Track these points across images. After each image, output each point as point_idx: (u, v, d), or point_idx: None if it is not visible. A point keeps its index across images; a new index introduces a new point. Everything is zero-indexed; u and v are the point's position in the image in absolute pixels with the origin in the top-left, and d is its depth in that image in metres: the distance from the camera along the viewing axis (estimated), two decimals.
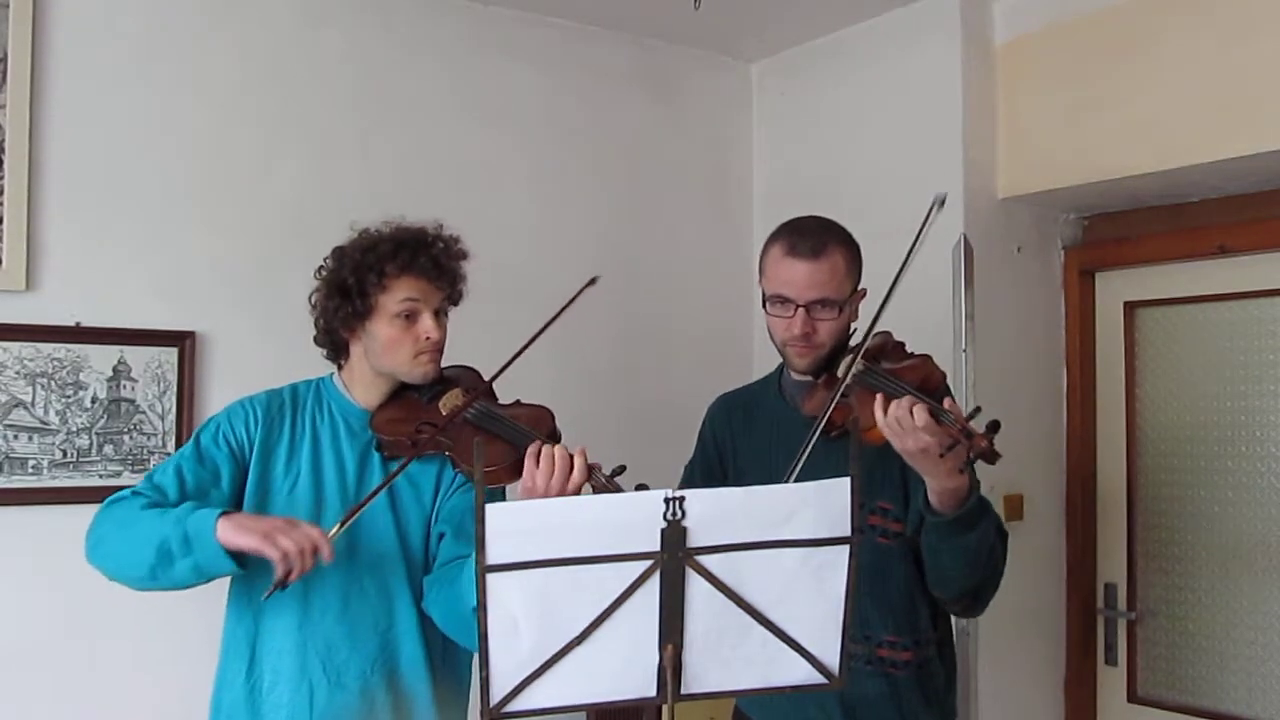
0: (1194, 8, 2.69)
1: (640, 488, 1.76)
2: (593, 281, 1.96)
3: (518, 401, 2.01)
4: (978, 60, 3.10)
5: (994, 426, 1.72)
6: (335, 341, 1.98)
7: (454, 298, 2.01)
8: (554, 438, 1.88)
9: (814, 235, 2.02)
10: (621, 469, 1.82)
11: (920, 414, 1.74)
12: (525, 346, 1.92)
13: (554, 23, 3.32)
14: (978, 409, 1.75)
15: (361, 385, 1.98)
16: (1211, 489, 3.01)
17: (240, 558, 1.72)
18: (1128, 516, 3.18)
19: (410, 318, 1.91)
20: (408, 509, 1.95)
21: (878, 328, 2.00)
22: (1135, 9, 2.81)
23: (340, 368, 2.02)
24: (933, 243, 3.01)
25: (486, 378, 1.99)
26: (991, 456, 1.72)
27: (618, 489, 1.79)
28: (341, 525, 1.78)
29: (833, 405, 1.89)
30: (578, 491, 1.78)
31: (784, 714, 2.07)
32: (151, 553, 1.74)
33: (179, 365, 2.70)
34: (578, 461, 1.78)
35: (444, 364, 2.02)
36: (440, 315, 1.96)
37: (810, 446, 1.87)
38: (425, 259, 1.92)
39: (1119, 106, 2.83)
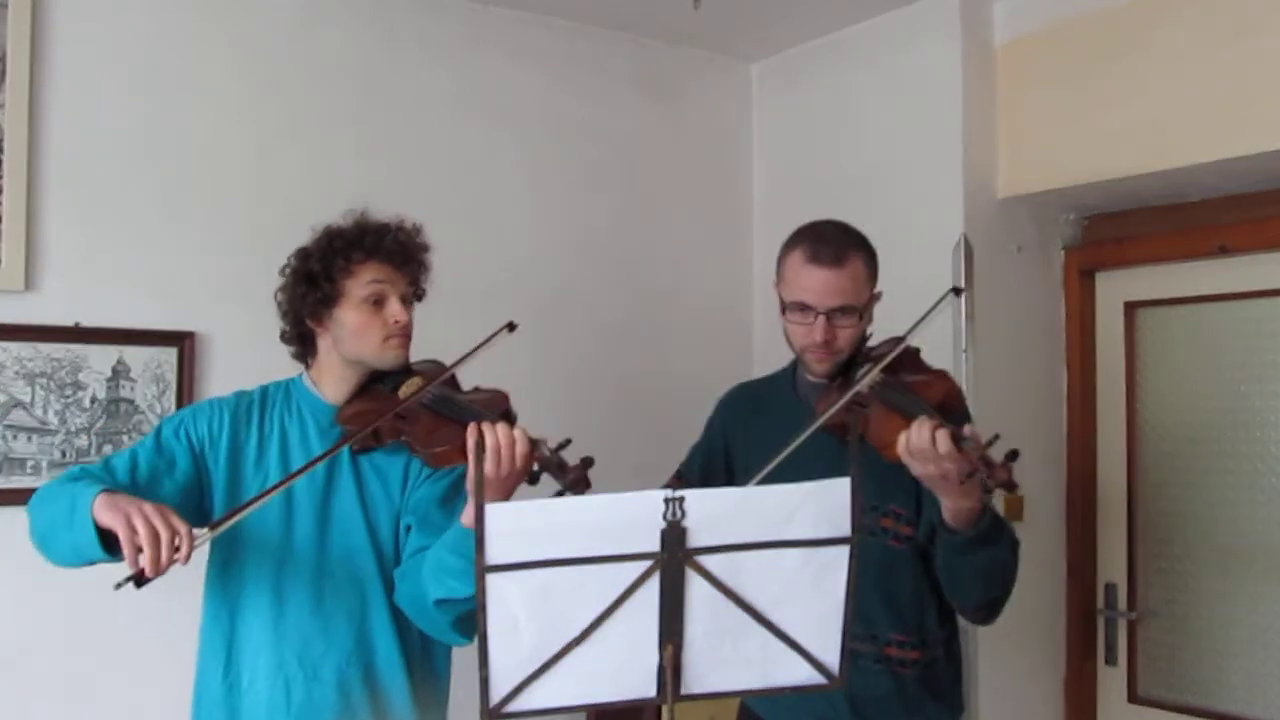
0: (1194, 8, 2.69)
1: (585, 461, 1.77)
2: (511, 327, 1.94)
3: (476, 388, 2.02)
4: (978, 60, 3.10)
5: (1012, 455, 1.71)
6: (303, 335, 1.99)
7: (418, 288, 2.02)
8: (508, 418, 1.87)
9: (835, 242, 2.01)
10: (567, 442, 1.80)
11: (943, 441, 1.72)
12: (455, 364, 1.95)
13: (554, 23, 3.32)
14: (996, 436, 1.73)
15: (330, 380, 1.99)
16: (1211, 489, 3.01)
17: (110, 546, 1.67)
18: (1128, 516, 3.18)
19: (378, 303, 1.92)
20: (376, 502, 1.96)
21: (873, 325, 2.00)
22: (1135, 9, 2.81)
23: (308, 366, 2.03)
24: (933, 243, 3.06)
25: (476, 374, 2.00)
26: (1010, 486, 1.71)
27: (562, 461, 1.78)
28: (213, 528, 1.73)
29: (832, 411, 1.89)
30: (527, 464, 1.77)
31: (791, 711, 2.08)
32: (52, 521, 1.74)
33: (178, 365, 2.70)
34: (518, 434, 1.76)
35: (417, 357, 2.02)
36: (406, 301, 1.96)
37: (808, 449, 1.88)
38: (390, 243, 1.94)
39: (1119, 106, 2.83)
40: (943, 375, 1.99)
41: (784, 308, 2.05)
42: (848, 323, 1.99)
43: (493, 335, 1.93)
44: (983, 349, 3.03)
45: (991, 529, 1.84)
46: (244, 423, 1.97)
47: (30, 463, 2.54)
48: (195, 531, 1.64)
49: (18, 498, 2.50)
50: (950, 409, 1.86)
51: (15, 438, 2.53)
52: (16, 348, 2.53)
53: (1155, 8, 2.77)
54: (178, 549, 1.60)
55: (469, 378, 2.03)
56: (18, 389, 2.53)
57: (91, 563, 1.74)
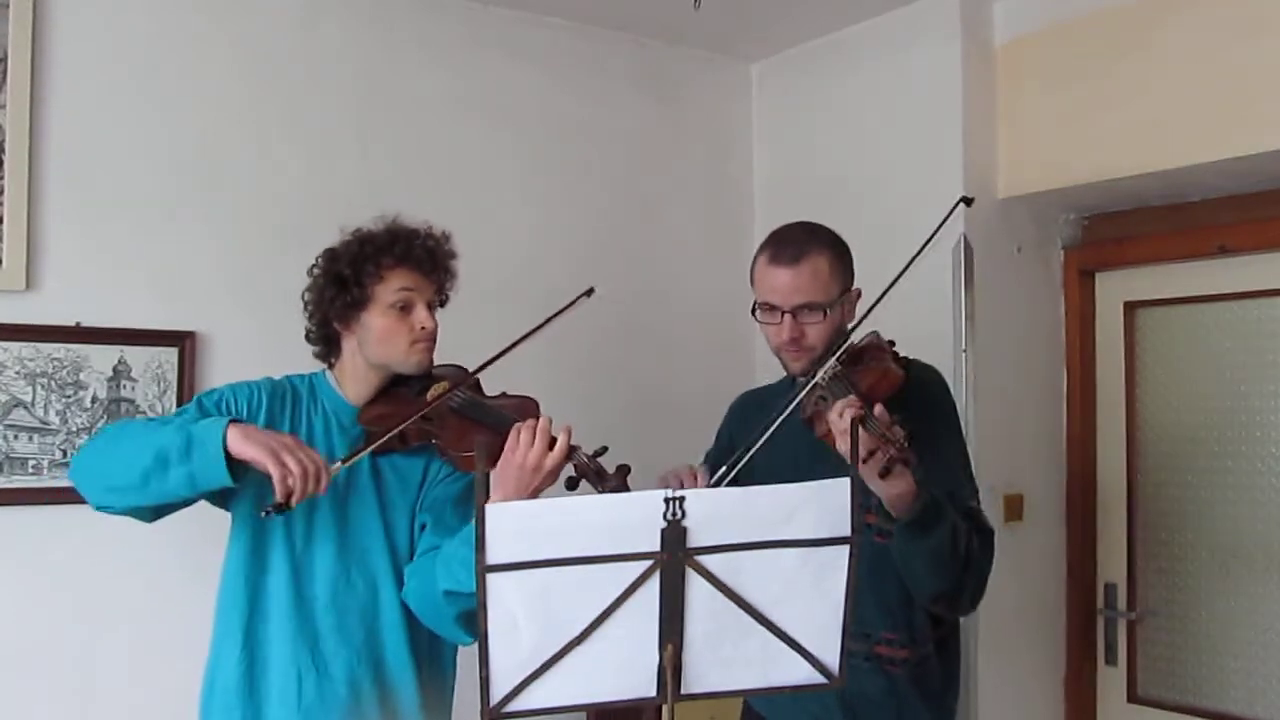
0: (1194, 8, 2.69)
1: (621, 468, 1.80)
2: (589, 292, 1.97)
3: (504, 393, 2.04)
4: (978, 60, 3.10)
5: (905, 432, 1.73)
6: (328, 336, 2.00)
7: (444, 294, 2.03)
8: None
9: (795, 242, 2.06)
10: (603, 450, 1.83)
11: (845, 418, 1.76)
12: (513, 345, 1.95)
13: (554, 23, 3.32)
14: (897, 419, 1.76)
15: (353, 381, 2.00)
16: (1211, 489, 3.01)
17: (235, 474, 1.71)
18: (1128, 516, 3.18)
19: (405, 309, 1.94)
20: (394, 501, 1.97)
21: (871, 327, 2.01)
22: (1135, 9, 2.81)
23: (331, 366, 2.04)
24: (933, 242, 3.05)
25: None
26: (892, 464, 1.73)
27: (600, 468, 1.81)
28: (345, 461, 1.80)
29: (795, 404, 1.93)
30: (558, 467, 1.79)
31: (787, 711, 2.11)
32: (149, 457, 1.73)
33: (179, 365, 2.70)
34: (560, 437, 1.79)
35: (437, 362, 2.04)
36: (433, 308, 1.99)
37: (799, 448, 1.90)
38: (420, 250, 1.96)
39: (1119, 106, 2.83)
40: (884, 363, 2.00)
41: (755, 310, 2.09)
42: (813, 320, 2.02)
43: (573, 301, 1.98)
44: (983, 349, 3.03)
45: (929, 516, 1.84)
46: (279, 408, 1.98)
47: (31, 462, 2.54)
48: (331, 465, 1.74)
49: (18, 498, 2.52)
50: (875, 394, 1.88)
51: (16, 437, 2.53)
52: (17, 348, 2.53)
53: (1155, 8, 2.77)
54: (319, 481, 1.70)
55: (485, 378, 2.04)
56: (18, 389, 2.53)
57: (185, 499, 1.78)
